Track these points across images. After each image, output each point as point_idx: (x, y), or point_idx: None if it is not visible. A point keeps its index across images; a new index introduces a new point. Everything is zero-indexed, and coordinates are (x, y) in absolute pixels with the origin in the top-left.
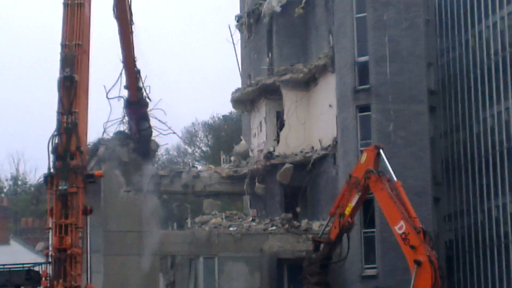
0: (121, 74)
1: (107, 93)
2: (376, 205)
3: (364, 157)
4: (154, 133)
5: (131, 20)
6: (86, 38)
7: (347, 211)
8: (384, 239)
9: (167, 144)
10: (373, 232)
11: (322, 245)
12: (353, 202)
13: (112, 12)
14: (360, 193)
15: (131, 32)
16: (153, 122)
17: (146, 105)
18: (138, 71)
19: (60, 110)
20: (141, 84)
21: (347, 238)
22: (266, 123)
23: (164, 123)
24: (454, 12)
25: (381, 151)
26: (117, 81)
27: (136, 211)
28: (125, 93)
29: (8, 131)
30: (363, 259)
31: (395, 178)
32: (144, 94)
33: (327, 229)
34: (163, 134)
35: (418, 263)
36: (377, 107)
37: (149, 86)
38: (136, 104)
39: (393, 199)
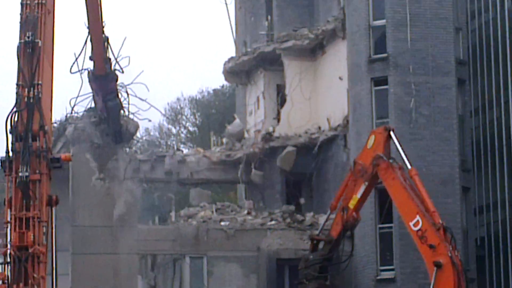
0: (86, 42)
1: (70, 67)
2: None
3: (371, 140)
4: (132, 110)
5: None
6: None
7: (352, 204)
8: (403, 236)
9: (146, 119)
10: (391, 228)
11: (321, 244)
12: (358, 194)
13: None
14: (367, 183)
15: None
16: (132, 99)
17: (115, 79)
18: (106, 39)
19: (20, 82)
20: (110, 55)
21: (351, 236)
22: (264, 98)
23: (144, 100)
24: None
25: (392, 133)
26: (81, 52)
27: (110, 202)
28: (90, 64)
29: None
30: (378, 259)
31: (409, 165)
32: (117, 66)
33: (328, 224)
34: (138, 116)
35: (438, 265)
36: (395, 79)
37: (129, 57)
38: (103, 79)
39: (407, 190)
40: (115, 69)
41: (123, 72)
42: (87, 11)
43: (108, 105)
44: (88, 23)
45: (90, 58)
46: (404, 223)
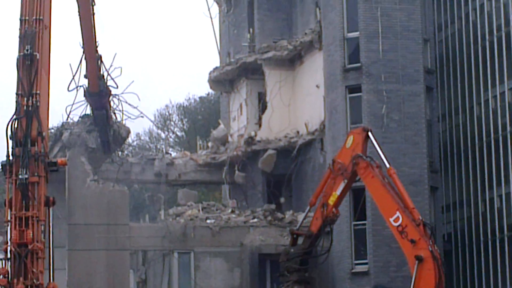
0: (81, 61)
1: (68, 86)
2: (368, 195)
3: (350, 140)
4: (124, 116)
5: None
6: (47, 11)
7: (331, 200)
8: (376, 232)
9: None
10: (364, 225)
11: (301, 239)
12: (338, 191)
13: None
14: (346, 181)
15: (93, 14)
16: (124, 106)
17: (108, 94)
18: (99, 57)
19: (20, 92)
20: (103, 72)
21: (330, 231)
22: (247, 105)
23: (135, 107)
24: None
25: (370, 133)
26: (77, 70)
27: (104, 202)
28: (85, 81)
29: None
30: (353, 254)
31: (387, 164)
32: (110, 80)
33: (306, 220)
34: (132, 119)
35: (419, 259)
36: (368, 87)
37: (121, 68)
38: (97, 96)
39: (386, 188)
40: (107, 86)
41: (117, 87)
42: (82, 32)
43: (94, 114)
44: (83, 43)
45: (85, 76)
46: (384, 219)
